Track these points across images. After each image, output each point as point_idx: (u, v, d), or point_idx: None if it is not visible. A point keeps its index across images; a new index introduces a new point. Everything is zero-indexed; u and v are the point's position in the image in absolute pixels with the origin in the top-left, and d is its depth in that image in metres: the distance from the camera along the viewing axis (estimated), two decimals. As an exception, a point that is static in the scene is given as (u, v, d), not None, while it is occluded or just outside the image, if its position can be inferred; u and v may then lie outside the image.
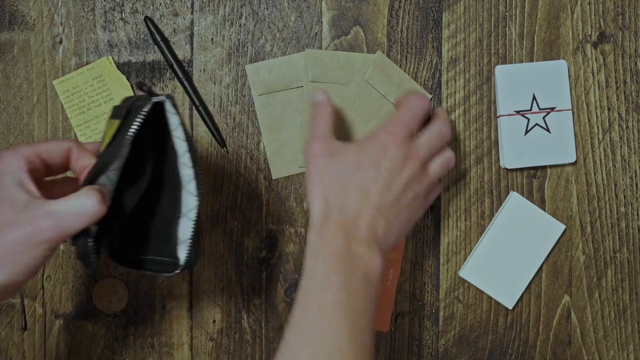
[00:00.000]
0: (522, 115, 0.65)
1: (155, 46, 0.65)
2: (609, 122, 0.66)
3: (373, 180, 0.55)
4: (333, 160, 0.56)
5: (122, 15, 0.66)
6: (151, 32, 0.61)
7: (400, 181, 0.56)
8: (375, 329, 0.53)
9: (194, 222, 0.54)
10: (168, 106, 0.52)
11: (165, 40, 0.60)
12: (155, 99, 0.51)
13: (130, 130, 0.50)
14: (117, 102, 0.55)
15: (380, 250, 0.54)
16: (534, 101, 0.65)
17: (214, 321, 0.67)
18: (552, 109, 0.65)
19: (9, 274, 0.48)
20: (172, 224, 0.55)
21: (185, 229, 0.55)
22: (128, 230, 0.56)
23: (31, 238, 0.48)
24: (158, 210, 0.56)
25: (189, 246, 0.54)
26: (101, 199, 0.49)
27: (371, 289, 0.53)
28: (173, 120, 0.52)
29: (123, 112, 0.51)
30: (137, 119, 0.50)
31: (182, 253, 0.55)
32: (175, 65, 0.61)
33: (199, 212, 0.54)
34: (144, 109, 0.50)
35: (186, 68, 0.66)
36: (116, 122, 0.52)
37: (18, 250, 0.48)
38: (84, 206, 0.49)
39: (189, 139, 0.53)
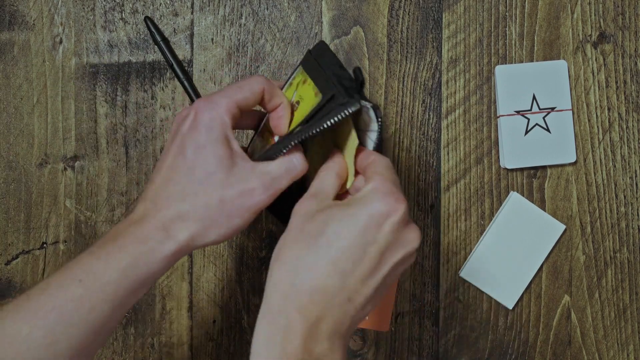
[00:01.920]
0: (523, 115, 0.65)
1: (155, 46, 0.65)
2: (609, 122, 0.66)
3: (355, 260, 0.43)
4: (315, 221, 0.45)
5: (122, 15, 0.66)
6: (151, 32, 0.61)
7: (387, 264, 0.45)
8: None
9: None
10: (372, 114, 0.48)
11: (165, 40, 0.60)
12: (364, 104, 0.47)
13: (325, 124, 0.47)
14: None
15: (344, 345, 0.44)
16: (534, 101, 0.65)
17: (214, 321, 0.67)
18: (552, 109, 0.65)
19: (219, 234, 0.47)
20: None
21: None
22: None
23: (245, 199, 0.47)
24: None
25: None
26: (304, 156, 0.49)
27: None
28: (373, 126, 0.49)
29: (323, 85, 0.48)
30: (336, 117, 0.46)
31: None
32: (175, 66, 0.61)
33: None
34: (350, 109, 0.46)
35: (186, 68, 0.66)
36: (310, 87, 0.49)
37: (231, 210, 0.47)
38: (292, 164, 0.48)
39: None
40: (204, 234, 0.47)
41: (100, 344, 0.48)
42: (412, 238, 0.45)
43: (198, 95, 0.61)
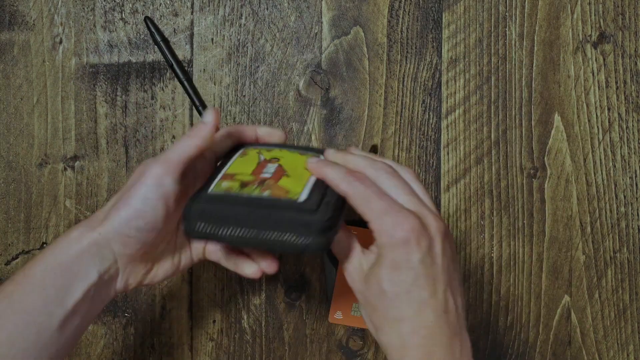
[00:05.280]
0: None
1: (155, 46, 0.65)
2: (609, 122, 0.66)
3: (420, 286, 0.47)
4: (372, 287, 0.48)
5: (122, 15, 0.66)
6: (151, 32, 0.61)
7: (439, 262, 0.48)
8: None
9: None
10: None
11: (165, 40, 0.60)
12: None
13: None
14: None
15: (466, 343, 0.48)
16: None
17: (214, 321, 0.67)
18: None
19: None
20: None
21: None
22: None
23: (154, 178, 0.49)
24: None
25: None
26: (215, 114, 0.51)
27: None
28: None
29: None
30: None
31: None
32: (175, 66, 0.61)
33: None
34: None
35: (186, 68, 0.66)
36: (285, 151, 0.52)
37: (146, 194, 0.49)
38: (195, 129, 0.51)
39: None
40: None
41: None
42: (434, 230, 0.47)
43: (198, 95, 0.61)
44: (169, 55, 0.63)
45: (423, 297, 0.46)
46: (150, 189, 0.49)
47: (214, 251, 0.55)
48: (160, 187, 0.49)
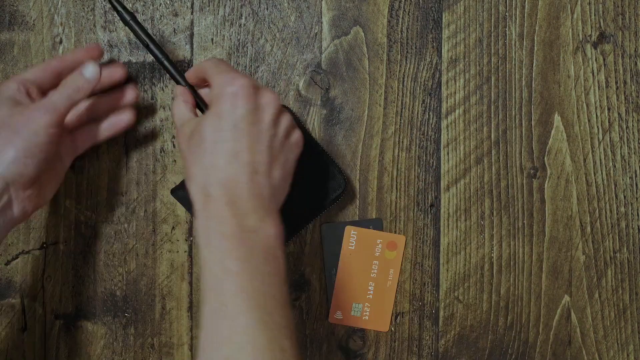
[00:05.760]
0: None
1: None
2: (609, 122, 0.66)
3: (236, 139, 0.50)
4: (193, 138, 0.51)
5: (122, 16, 0.66)
6: (118, 12, 0.60)
7: (264, 127, 0.51)
8: (289, 300, 0.50)
9: None
10: None
11: (132, 15, 0.59)
12: None
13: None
14: None
15: (272, 214, 0.50)
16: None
17: (214, 321, 0.67)
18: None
19: (19, 155, 0.53)
20: None
21: None
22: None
23: (27, 127, 0.53)
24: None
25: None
26: (95, 66, 0.57)
27: (274, 262, 0.49)
28: None
29: None
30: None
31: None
32: (151, 45, 0.60)
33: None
34: None
35: (186, 68, 0.66)
36: None
37: (18, 131, 0.53)
38: (73, 81, 0.56)
39: None
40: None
41: None
42: (268, 100, 0.52)
43: (180, 73, 0.60)
44: (141, 34, 0.60)
45: (237, 149, 0.49)
46: (39, 139, 0.53)
47: (84, 138, 0.61)
48: (48, 136, 0.54)
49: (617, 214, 0.67)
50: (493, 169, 0.67)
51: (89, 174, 0.66)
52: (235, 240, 0.48)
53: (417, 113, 0.66)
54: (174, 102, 0.58)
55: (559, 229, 0.67)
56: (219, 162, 0.49)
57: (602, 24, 0.66)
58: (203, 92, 0.58)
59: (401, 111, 0.66)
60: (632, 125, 0.67)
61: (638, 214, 0.67)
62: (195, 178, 0.51)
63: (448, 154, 0.67)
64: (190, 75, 0.58)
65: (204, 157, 0.50)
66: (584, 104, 0.66)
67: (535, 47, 0.66)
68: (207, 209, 0.49)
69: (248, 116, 0.50)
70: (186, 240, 0.66)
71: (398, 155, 0.67)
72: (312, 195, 0.63)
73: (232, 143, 0.49)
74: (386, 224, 0.66)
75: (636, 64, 0.66)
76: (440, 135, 0.66)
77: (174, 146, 0.66)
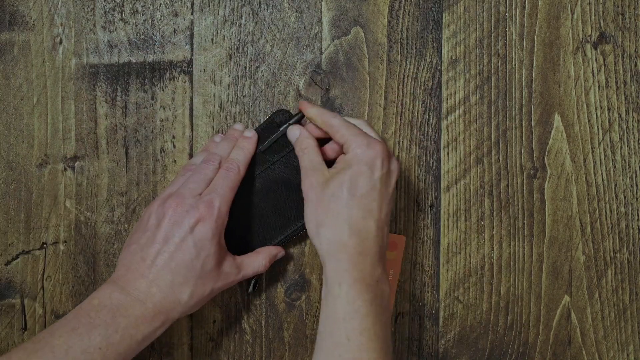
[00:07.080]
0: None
1: (155, 46, 0.65)
2: (609, 122, 0.66)
3: (373, 198, 0.56)
4: (328, 188, 0.56)
5: (122, 16, 0.66)
6: (277, 124, 0.64)
7: (391, 190, 0.58)
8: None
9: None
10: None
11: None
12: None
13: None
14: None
15: (384, 263, 0.56)
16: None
17: (214, 321, 0.67)
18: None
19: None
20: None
21: None
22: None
23: (222, 288, 0.59)
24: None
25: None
26: (271, 259, 0.63)
27: (387, 312, 0.55)
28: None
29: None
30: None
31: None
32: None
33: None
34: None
35: (186, 68, 0.66)
36: None
37: (210, 295, 0.58)
38: (259, 266, 0.61)
39: None
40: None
41: None
42: (394, 167, 0.58)
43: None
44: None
45: (372, 207, 0.55)
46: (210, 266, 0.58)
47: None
48: (215, 255, 0.58)
49: (617, 214, 0.67)
50: (493, 169, 0.67)
51: (89, 174, 0.66)
52: (364, 284, 0.54)
53: (417, 113, 0.66)
54: (308, 141, 0.60)
55: (559, 229, 0.67)
56: (357, 216, 0.55)
57: (602, 24, 0.66)
58: (328, 146, 0.61)
59: (401, 111, 0.66)
60: (632, 126, 0.67)
61: (638, 214, 0.67)
62: (327, 225, 0.56)
63: (448, 154, 0.67)
64: (313, 117, 0.61)
65: (341, 210, 0.55)
66: (584, 104, 0.66)
67: (535, 48, 0.66)
68: (341, 253, 0.55)
69: (382, 179, 0.56)
70: (186, 240, 0.66)
71: (398, 156, 0.67)
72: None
73: (368, 201, 0.55)
74: (386, 224, 0.66)
75: (636, 64, 0.66)
76: (441, 135, 0.66)
77: (174, 146, 0.66)
